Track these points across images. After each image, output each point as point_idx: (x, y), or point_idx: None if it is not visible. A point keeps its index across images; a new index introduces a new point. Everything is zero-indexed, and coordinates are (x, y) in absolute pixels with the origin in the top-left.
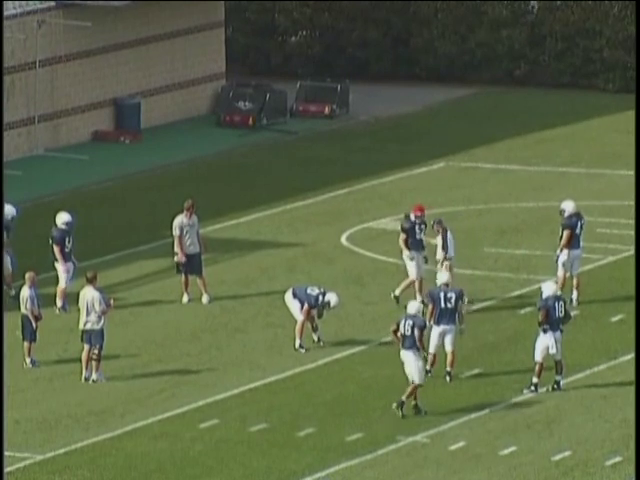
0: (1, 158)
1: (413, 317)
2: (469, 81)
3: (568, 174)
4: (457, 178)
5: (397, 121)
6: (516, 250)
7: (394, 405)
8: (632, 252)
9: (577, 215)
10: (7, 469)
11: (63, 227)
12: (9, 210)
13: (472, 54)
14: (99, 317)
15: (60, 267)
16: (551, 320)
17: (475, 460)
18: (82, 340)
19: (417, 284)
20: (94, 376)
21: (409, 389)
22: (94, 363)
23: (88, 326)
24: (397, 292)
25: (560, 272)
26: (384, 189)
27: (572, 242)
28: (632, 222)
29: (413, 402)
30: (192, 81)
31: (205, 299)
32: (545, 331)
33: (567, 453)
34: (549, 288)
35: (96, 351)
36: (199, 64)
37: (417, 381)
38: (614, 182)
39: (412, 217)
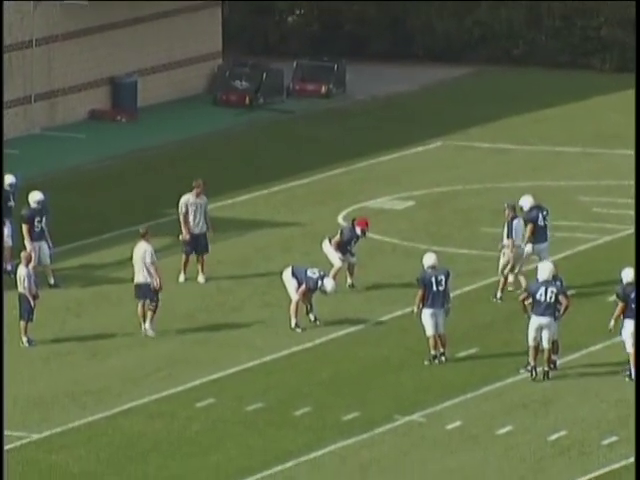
0: (1, 137)
1: (553, 283)
2: (467, 60)
3: (565, 153)
4: (454, 157)
5: (394, 100)
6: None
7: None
8: (629, 232)
9: (537, 207)
10: (3, 448)
11: (35, 206)
12: (8, 178)
13: (470, 33)
14: (149, 271)
15: (28, 246)
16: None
17: (471, 440)
18: (136, 296)
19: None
20: (146, 326)
21: (540, 354)
22: (149, 314)
23: (140, 280)
24: (349, 281)
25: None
26: (381, 169)
27: (537, 235)
28: (629, 201)
29: (544, 369)
30: (189, 60)
31: (201, 279)
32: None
33: (563, 433)
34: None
35: (153, 304)
36: (196, 43)
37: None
38: (611, 161)
39: (357, 230)
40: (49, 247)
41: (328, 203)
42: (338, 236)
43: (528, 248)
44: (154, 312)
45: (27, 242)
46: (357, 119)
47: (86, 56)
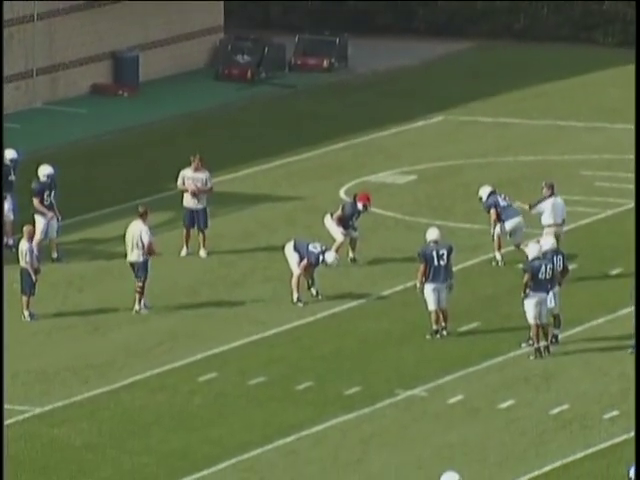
0: (1, 117)
1: (551, 258)
2: (468, 35)
3: (567, 128)
4: (456, 132)
5: (396, 75)
6: (514, 204)
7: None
8: (631, 206)
9: (493, 193)
10: (6, 422)
11: (44, 179)
12: (9, 153)
13: (472, 8)
14: (143, 250)
15: (39, 220)
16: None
17: (473, 414)
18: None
19: (343, 244)
20: (136, 307)
21: (542, 332)
22: (137, 295)
23: (133, 258)
24: (351, 255)
25: (496, 240)
26: (382, 143)
27: (505, 214)
28: (630, 175)
29: (544, 343)
30: (191, 34)
31: (203, 253)
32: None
33: (565, 407)
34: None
35: (140, 283)
36: (197, 17)
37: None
38: (613, 136)
39: (359, 205)
40: (57, 220)
41: (330, 177)
42: (340, 211)
43: (497, 230)
44: (142, 292)
45: (38, 216)
46: (359, 93)
47: (88, 30)
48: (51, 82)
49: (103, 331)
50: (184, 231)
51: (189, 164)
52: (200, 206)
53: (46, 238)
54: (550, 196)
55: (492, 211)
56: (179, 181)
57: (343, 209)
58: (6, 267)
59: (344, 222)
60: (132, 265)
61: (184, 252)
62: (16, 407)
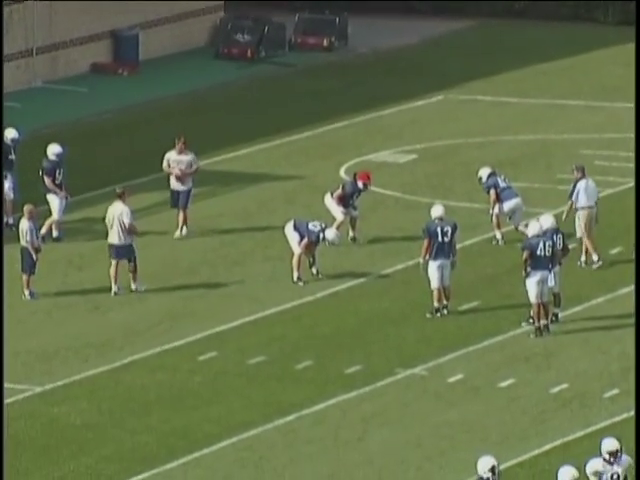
0: (1, 95)
1: (550, 236)
2: (469, 13)
3: (567, 107)
4: (456, 111)
5: (396, 54)
6: (514, 183)
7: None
8: (631, 184)
9: (493, 174)
10: (6, 401)
11: (53, 158)
12: (10, 132)
13: None
14: (127, 232)
15: (53, 198)
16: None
17: (473, 392)
18: (110, 255)
19: (344, 221)
20: (133, 286)
21: (542, 310)
22: (131, 275)
23: (115, 241)
24: (351, 234)
25: (494, 219)
26: (383, 122)
27: (504, 195)
28: (631, 154)
29: (545, 322)
30: (191, 13)
31: (177, 234)
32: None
33: (565, 386)
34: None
35: (132, 263)
36: None
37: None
38: (613, 114)
39: (359, 184)
40: (66, 199)
41: (330, 156)
42: (340, 190)
43: (496, 210)
44: (135, 272)
45: (51, 195)
46: (359, 72)
47: (87, 9)
48: (51, 61)
49: (103, 310)
50: (177, 214)
51: (192, 142)
52: (184, 187)
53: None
54: (581, 179)
55: (492, 192)
56: (164, 164)
57: (343, 188)
58: (6, 246)
59: (344, 201)
60: (111, 246)
61: (183, 232)
62: (16, 386)
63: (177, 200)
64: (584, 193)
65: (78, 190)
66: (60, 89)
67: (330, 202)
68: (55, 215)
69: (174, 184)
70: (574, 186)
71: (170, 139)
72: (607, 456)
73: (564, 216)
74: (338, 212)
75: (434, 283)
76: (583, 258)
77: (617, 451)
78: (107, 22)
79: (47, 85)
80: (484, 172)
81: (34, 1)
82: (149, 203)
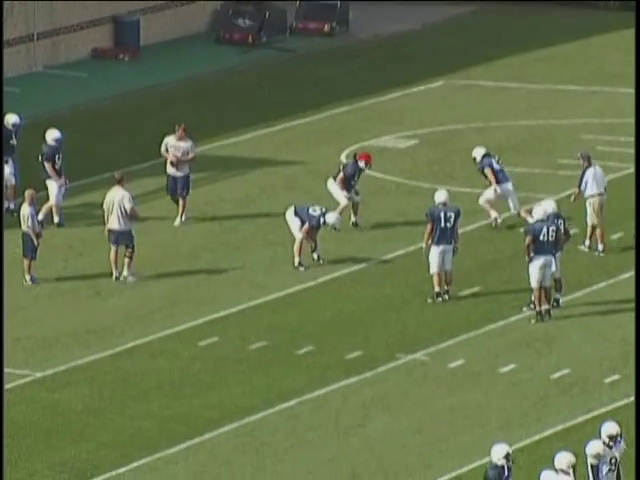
0: (1, 78)
1: (554, 221)
2: None
3: (568, 92)
4: (456, 96)
5: (397, 39)
6: (515, 168)
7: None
8: (631, 170)
9: (488, 155)
10: (7, 386)
11: (53, 144)
12: (11, 117)
13: None
14: (128, 217)
15: (53, 183)
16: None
17: (474, 378)
18: (109, 241)
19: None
20: (125, 273)
21: (544, 295)
22: (126, 261)
23: (115, 226)
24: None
25: (486, 206)
26: (383, 107)
27: (497, 177)
28: (631, 140)
29: (546, 307)
30: None
31: (177, 222)
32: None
33: (566, 371)
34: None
35: (129, 250)
36: None
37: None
38: (613, 100)
39: (361, 163)
40: (66, 183)
41: (331, 142)
42: (341, 172)
43: (489, 194)
44: (131, 258)
45: (51, 180)
46: (360, 58)
47: None
48: (52, 46)
49: (104, 296)
50: (171, 199)
51: (193, 128)
52: (181, 173)
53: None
54: (588, 167)
55: (487, 170)
56: (162, 147)
57: (345, 169)
58: (8, 231)
59: (347, 184)
60: (111, 232)
61: (177, 222)
62: (17, 371)
63: (174, 186)
64: (593, 181)
65: (78, 175)
66: (60, 74)
67: (333, 187)
68: (52, 200)
69: (170, 169)
70: (582, 174)
71: (171, 125)
72: (607, 439)
73: (572, 199)
74: (342, 197)
75: (433, 268)
76: (587, 242)
77: (617, 435)
78: (108, 7)
79: (48, 70)
80: (478, 152)
81: None
82: (149, 189)
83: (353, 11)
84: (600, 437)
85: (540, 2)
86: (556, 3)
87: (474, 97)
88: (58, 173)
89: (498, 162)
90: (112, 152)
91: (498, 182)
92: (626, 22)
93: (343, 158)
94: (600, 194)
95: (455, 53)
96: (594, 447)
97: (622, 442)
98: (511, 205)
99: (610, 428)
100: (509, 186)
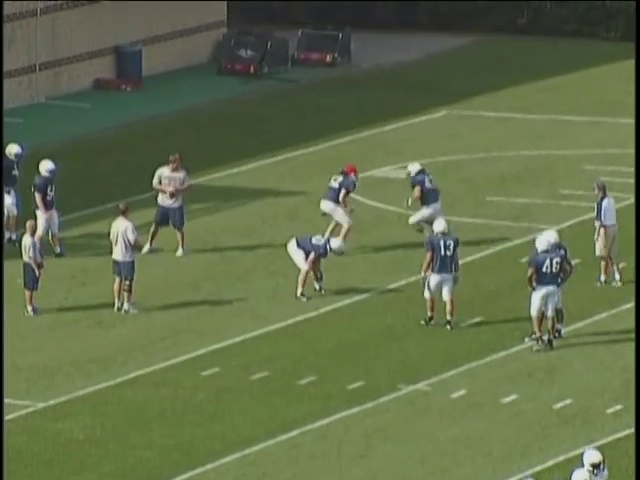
0: (1, 106)
1: (557, 252)
2: (472, 29)
3: (570, 122)
4: (458, 126)
5: (399, 69)
6: (517, 199)
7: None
8: (632, 200)
9: (422, 172)
10: (8, 417)
11: (46, 175)
12: (13, 148)
13: (475, 2)
14: (130, 248)
15: (41, 215)
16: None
17: (476, 408)
18: (113, 272)
19: (345, 229)
20: (125, 307)
21: (547, 324)
22: (125, 294)
23: (119, 257)
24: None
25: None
26: (385, 138)
27: (427, 197)
28: (633, 170)
29: (548, 337)
30: (194, 29)
31: (179, 252)
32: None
33: (568, 401)
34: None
35: (127, 282)
36: (201, 12)
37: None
38: (616, 130)
39: (352, 176)
40: (58, 216)
41: (333, 172)
42: (343, 189)
43: (424, 211)
44: (130, 291)
45: (40, 211)
46: (362, 88)
47: (91, 25)
48: (54, 77)
49: (106, 326)
50: (152, 228)
51: (194, 159)
52: (176, 205)
53: (48, 233)
54: (604, 197)
55: (417, 188)
56: (155, 180)
57: (344, 186)
58: (9, 262)
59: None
60: (115, 263)
61: (146, 248)
62: (19, 402)
63: (165, 217)
64: (607, 212)
65: (81, 206)
66: (63, 105)
67: (337, 210)
68: (39, 231)
69: (164, 200)
70: (599, 205)
71: (172, 155)
72: (590, 468)
73: (595, 236)
74: (344, 219)
75: (427, 293)
76: (603, 278)
77: (600, 463)
78: (110, 38)
79: (50, 101)
80: (413, 167)
81: (37, 17)
82: (151, 219)
83: (355, 41)
84: (583, 466)
85: (542, 33)
86: (558, 34)
87: (476, 127)
88: (48, 205)
89: (431, 181)
90: (114, 182)
91: (427, 202)
92: (628, 52)
93: (332, 182)
94: (613, 225)
95: (457, 83)
96: (580, 476)
97: (605, 470)
98: (435, 224)
99: (592, 457)
100: (437, 206)
